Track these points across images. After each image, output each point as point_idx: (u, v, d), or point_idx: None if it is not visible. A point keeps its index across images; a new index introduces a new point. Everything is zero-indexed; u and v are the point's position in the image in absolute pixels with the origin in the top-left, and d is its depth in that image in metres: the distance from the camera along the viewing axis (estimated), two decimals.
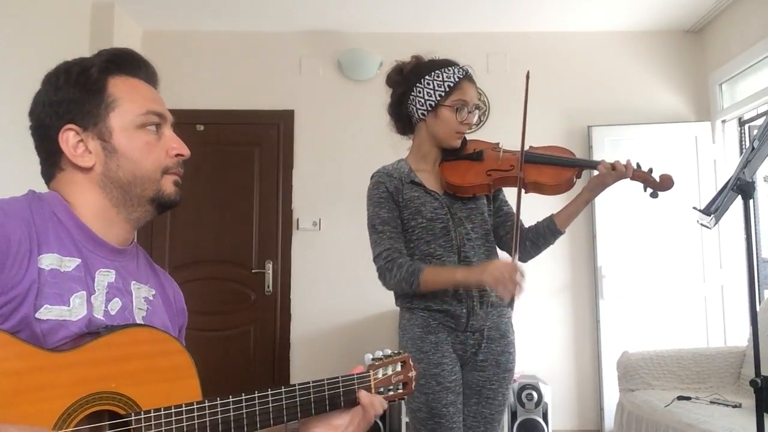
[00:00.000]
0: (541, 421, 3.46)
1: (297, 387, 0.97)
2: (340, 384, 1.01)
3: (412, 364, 1.15)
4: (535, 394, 3.48)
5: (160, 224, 4.15)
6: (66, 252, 0.89)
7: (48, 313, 0.83)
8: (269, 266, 4.13)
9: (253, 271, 4.15)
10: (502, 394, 1.84)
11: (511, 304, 1.63)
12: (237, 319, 4.14)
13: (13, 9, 3.01)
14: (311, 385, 0.98)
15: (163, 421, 0.82)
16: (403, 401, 1.78)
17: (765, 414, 1.73)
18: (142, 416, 0.80)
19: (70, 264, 0.89)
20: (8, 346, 0.75)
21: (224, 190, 4.18)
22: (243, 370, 4.08)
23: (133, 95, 0.98)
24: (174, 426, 0.82)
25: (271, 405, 0.92)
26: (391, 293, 1.90)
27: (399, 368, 1.12)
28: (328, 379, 1.01)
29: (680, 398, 2.86)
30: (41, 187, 1.06)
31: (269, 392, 0.93)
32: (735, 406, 2.70)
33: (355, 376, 1.05)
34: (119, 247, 0.99)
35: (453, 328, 1.78)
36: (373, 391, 1.07)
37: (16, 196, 0.92)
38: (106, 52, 0.99)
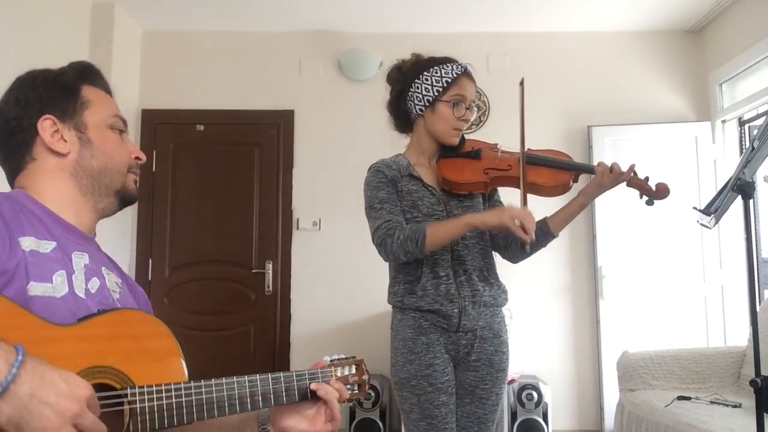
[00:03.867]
0: (541, 421, 3.46)
1: (269, 376, 1.06)
2: (306, 377, 1.11)
3: (364, 367, 1.24)
4: (535, 394, 3.47)
5: (160, 224, 4.15)
6: (41, 236, 0.94)
7: (34, 289, 0.88)
8: (269, 266, 4.13)
9: (253, 271, 4.15)
10: (496, 393, 1.83)
11: (526, 248, 1.67)
12: (237, 319, 4.14)
13: (13, 9, 3.01)
14: (282, 376, 1.07)
15: (155, 396, 0.90)
16: (400, 404, 1.80)
17: (765, 414, 1.73)
18: (137, 391, 0.88)
19: (48, 246, 0.94)
20: (17, 317, 0.80)
21: (224, 190, 4.18)
22: (243, 370, 4.02)
23: (103, 100, 1.10)
24: (164, 401, 0.90)
25: (248, 389, 1.02)
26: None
27: (354, 370, 1.22)
28: (296, 372, 1.10)
29: (680, 398, 2.86)
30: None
31: (245, 378, 1.02)
32: (735, 406, 2.70)
33: (319, 371, 1.14)
34: (88, 234, 1.05)
35: (445, 328, 1.77)
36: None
37: None
38: (75, 64, 1.10)
